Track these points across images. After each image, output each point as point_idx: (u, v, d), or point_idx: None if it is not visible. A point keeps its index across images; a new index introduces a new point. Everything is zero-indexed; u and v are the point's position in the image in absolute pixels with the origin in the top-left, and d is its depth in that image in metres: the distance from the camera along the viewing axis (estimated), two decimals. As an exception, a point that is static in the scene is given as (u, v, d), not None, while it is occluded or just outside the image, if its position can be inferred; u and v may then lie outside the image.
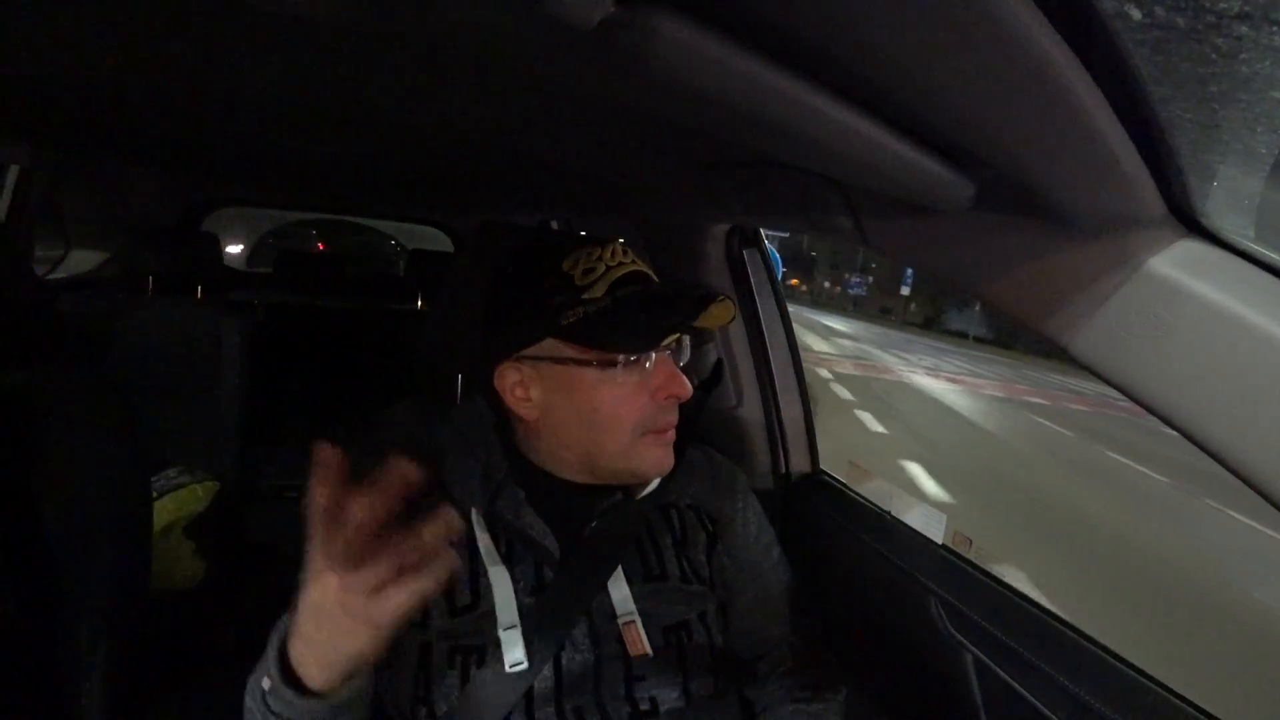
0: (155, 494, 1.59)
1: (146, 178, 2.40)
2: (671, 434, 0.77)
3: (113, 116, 1.33)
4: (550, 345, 0.74)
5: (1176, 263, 0.50)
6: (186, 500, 1.64)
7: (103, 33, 0.74)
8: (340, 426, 1.56)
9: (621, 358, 0.72)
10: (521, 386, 0.76)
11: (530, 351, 0.75)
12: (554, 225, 2.21)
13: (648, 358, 0.74)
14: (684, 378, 0.76)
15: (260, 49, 0.75)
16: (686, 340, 0.79)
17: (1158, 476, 7.66)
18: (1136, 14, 0.29)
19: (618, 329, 0.72)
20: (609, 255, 0.75)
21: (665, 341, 0.75)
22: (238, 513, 1.70)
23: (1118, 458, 8.53)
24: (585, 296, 0.72)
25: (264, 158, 1.79)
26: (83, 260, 2.51)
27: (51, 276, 2.44)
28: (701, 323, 0.76)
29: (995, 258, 0.62)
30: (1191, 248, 0.50)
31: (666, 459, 0.77)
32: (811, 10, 0.38)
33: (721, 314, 0.76)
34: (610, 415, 0.74)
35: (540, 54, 0.46)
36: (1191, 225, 0.50)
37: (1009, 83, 0.38)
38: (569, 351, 0.73)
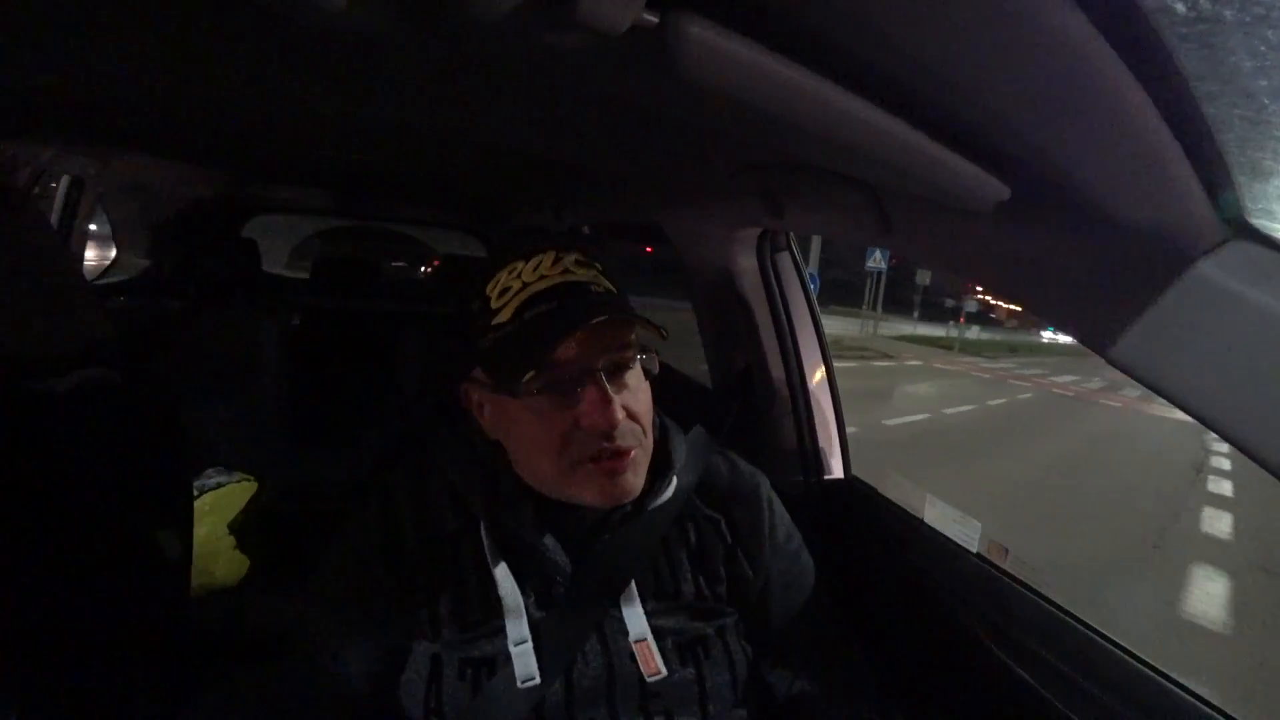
0: (196, 492, 1.63)
1: (189, 185, 2.47)
2: (622, 462, 0.69)
3: (160, 129, 1.37)
4: (479, 373, 0.73)
5: (1225, 266, 0.48)
6: (226, 499, 1.68)
7: (153, 49, 0.77)
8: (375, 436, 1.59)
9: (525, 383, 0.67)
10: (479, 409, 0.75)
11: (474, 375, 0.73)
12: (585, 230, 2.22)
13: (574, 384, 0.68)
14: (611, 407, 0.67)
15: (300, 62, 0.77)
16: (632, 364, 0.72)
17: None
18: (1181, 8, 0.28)
19: (514, 355, 0.67)
20: (529, 270, 0.69)
21: (568, 361, 0.67)
22: (276, 512, 1.73)
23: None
24: (495, 322, 0.68)
25: (302, 166, 1.83)
26: (129, 265, 2.60)
27: (99, 281, 2.53)
28: (606, 348, 0.69)
29: (1030, 260, 0.60)
30: (1241, 250, 0.48)
31: (612, 490, 0.70)
32: (841, 14, 0.37)
33: (639, 332, 0.70)
34: (532, 444, 0.70)
35: (572, 58, 0.46)
36: (1241, 226, 0.49)
37: (1046, 83, 0.37)
38: (488, 379, 0.71)
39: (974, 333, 29.24)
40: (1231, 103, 0.37)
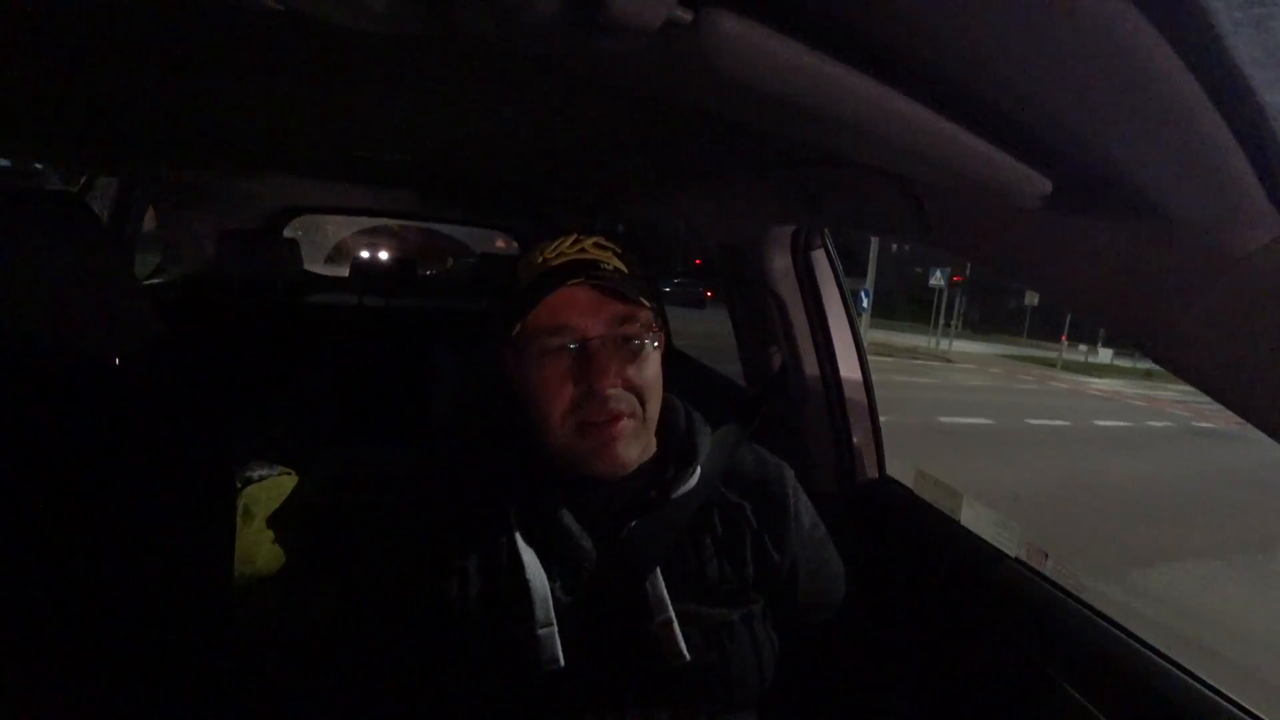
0: (239, 484, 1.68)
1: (234, 189, 2.54)
2: (613, 428, 0.73)
3: (208, 136, 1.42)
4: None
5: None
6: (274, 490, 1.73)
7: (199, 61, 0.79)
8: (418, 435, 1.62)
9: (516, 337, 0.73)
10: (509, 382, 0.80)
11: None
12: (620, 229, 2.23)
13: (575, 351, 0.73)
14: (602, 372, 0.71)
15: (340, 66, 0.78)
16: (640, 341, 0.75)
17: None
18: (1235, -9, 0.27)
19: (507, 313, 0.75)
20: (551, 249, 0.76)
21: (570, 329, 0.72)
22: (316, 505, 1.78)
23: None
24: (513, 291, 0.76)
25: (343, 167, 1.87)
26: (177, 265, 2.68)
27: (150, 280, 2.62)
28: (609, 320, 0.73)
29: (1074, 255, 0.59)
30: None
31: (612, 453, 0.74)
32: (877, 5, 0.37)
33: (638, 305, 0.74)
34: (541, 406, 0.74)
35: (605, 58, 0.46)
36: None
37: (1090, 71, 0.36)
38: (505, 342, 0.77)
39: (1105, 356, 23.96)
40: (1289, 90, 0.35)
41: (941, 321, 23.18)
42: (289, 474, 1.80)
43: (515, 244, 3.60)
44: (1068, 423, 10.18)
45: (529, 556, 0.75)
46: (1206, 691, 0.74)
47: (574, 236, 0.77)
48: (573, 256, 0.74)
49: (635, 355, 0.75)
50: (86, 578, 0.73)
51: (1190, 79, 0.35)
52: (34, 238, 0.75)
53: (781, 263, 1.39)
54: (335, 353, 2.28)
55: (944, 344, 22.39)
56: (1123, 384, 18.78)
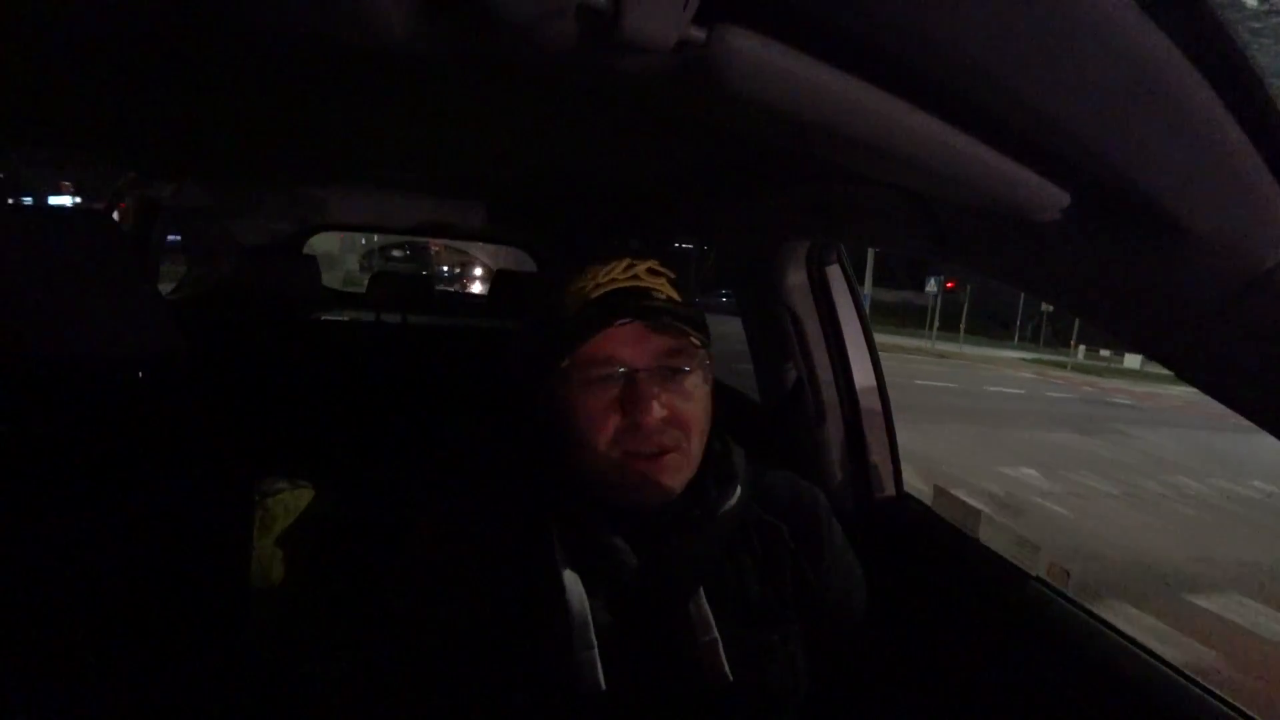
0: (257, 497, 1.69)
1: (255, 205, 2.59)
2: (657, 463, 0.72)
3: (231, 152, 1.45)
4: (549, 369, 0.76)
5: None
6: (285, 505, 1.74)
7: (218, 78, 0.81)
8: (436, 450, 1.62)
9: (564, 369, 0.72)
10: (550, 407, 0.77)
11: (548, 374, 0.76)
12: (633, 244, 2.24)
13: (622, 382, 0.71)
14: (648, 406, 0.70)
15: (359, 86, 0.80)
16: (687, 372, 0.74)
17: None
18: (1253, 1, 0.27)
19: (559, 343, 0.72)
20: (603, 274, 0.73)
21: (617, 359, 0.71)
22: (331, 521, 1.78)
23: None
24: (562, 317, 0.73)
25: (361, 186, 1.90)
26: (199, 280, 2.73)
27: (172, 295, 2.66)
28: (657, 352, 0.72)
29: (1093, 270, 0.58)
30: None
31: (655, 486, 0.73)
32: (889, 20, 0.37)
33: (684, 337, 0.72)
34: (584, 437, 0.72)
35: (619, 77, 0.47)
36: None
37: (1106, 84, 0.36)
38: (550, 371, 0.75)
39: (1136, 362, 24.21)
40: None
41: (937, 324, 26.70)
42: (307, 487, 1.81)
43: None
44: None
45: (569, 577, 0.74)
46: (1235, 715, 0.72)
47: (627, 261, 0.74)
48: (625, 284, 0.72)
49: (681, 388, 0.73)
50: (104, 583, 0.74)
51: (1209, 91, 0.35)
52: (62, 253, 0.77)
53: (796, 278, 1.39)
54: (353, 368, 2.30)
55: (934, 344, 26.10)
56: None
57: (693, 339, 0.73)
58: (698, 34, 0.39)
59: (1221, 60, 0.33)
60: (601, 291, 0.72)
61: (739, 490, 0.80)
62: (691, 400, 0.74)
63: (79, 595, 0.72)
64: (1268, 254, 0.46)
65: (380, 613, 0.79)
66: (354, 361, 2.29)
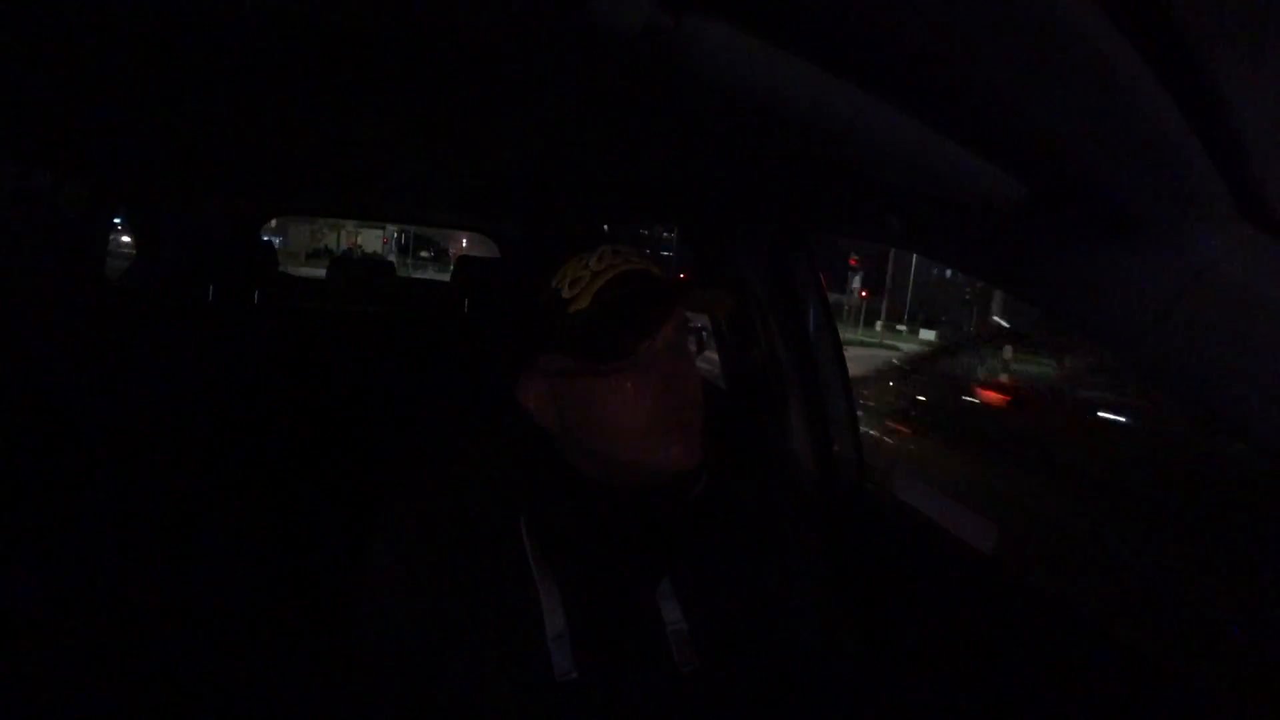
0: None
1: (208, 191, 2.50)
2: (690, 427, 0.75)
3: (183, 139, 1.39)
4: (552, 360, 0.75)
5: (1251, 263, 0.47)
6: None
7: (171, 64, 0.78)
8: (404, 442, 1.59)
9: (610, 362, 0.72)
10: (539, 399, 0.78)
11: (540, 367, 0.76)
12: (605, 228, 2.23)
13: (642, 358, 0.73)
14: (682, 376, 0.74)
15: (316, 69, 0.77)
16: (689, 334, 0.77)
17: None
18: None
19: (602, 334, 0.72)
20: (595, 261, 0.74)
21: (652, 338, 0.73)
22: (301, 516, 1.75)
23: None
24: (571, 309, 0.73)
25: (319, 169, 1.85)
26: (149, 268, 2.63)
27: (121, 283, 2.56)
28: (690, 308, 0.76)
29: (1049, 261, 0.60)
30: (1267, 246, 0.47)
31: (686, 454, 0.74)
32: (855, 12, 0.37)
33: (710, 302, 0.77)
34: (615, 421, 0.73)
35: (587, 61, 0.46)
36: (1262, 221, 0.48)
37: (1060, 78, 0.37)
38: (568, 364, 0.74)
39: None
40: (1257, 95, 0.36)
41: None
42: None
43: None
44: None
45: (540, 567, 0.74)
46: (1192, 689, 0.76)
47: (609, 248, 0.76)
48: (623, 267, 0.74)
49: (692, 359, 0.77)
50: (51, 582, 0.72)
51: (1159, 87, 0.36)
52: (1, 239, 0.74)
53: (761, 265, 1.40)
54: (315, 357, 2.25)
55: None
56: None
57: (687, 314, 0.76)
58: (666, 19, 0.38)
59: (1173, 58, 0.34)
60: (605, 278, 0.72)
61: (704, 477, 0.81)
62: (694, 369, 0.77)
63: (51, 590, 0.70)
64: (1210, 246, 0.48)
65: (347, 610, 0.78)
66: (311, 349, 2.24)
